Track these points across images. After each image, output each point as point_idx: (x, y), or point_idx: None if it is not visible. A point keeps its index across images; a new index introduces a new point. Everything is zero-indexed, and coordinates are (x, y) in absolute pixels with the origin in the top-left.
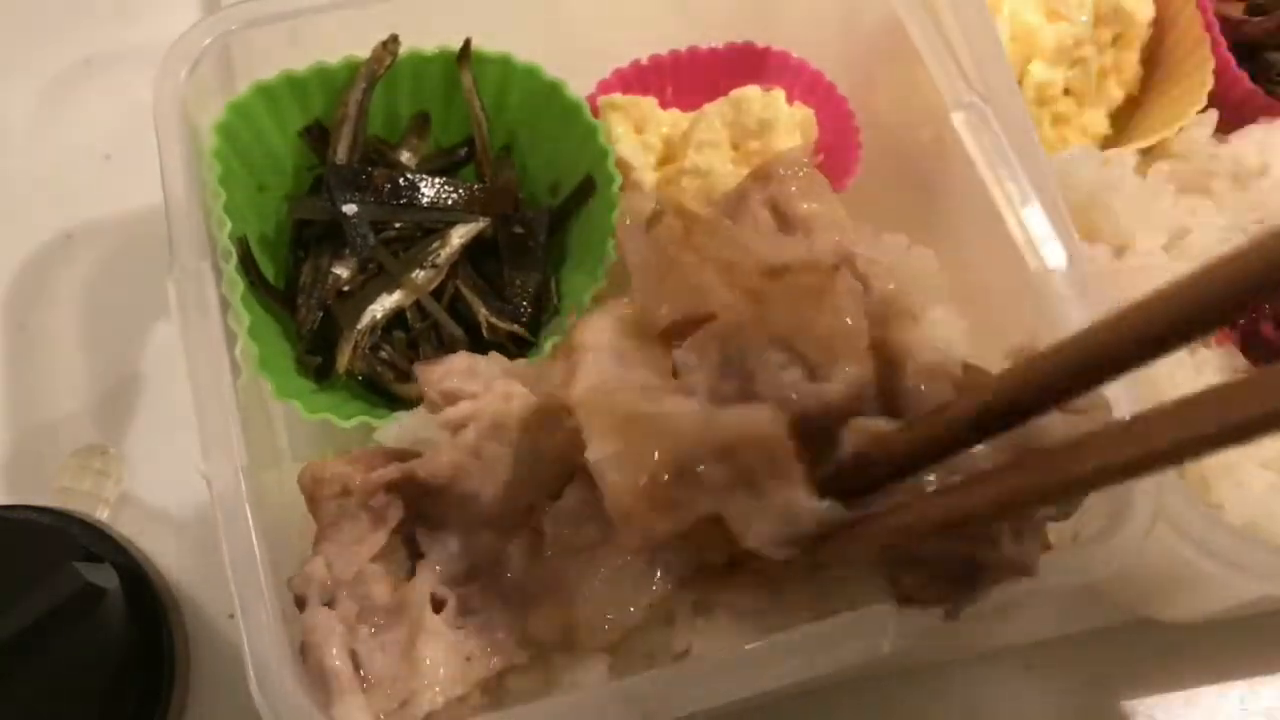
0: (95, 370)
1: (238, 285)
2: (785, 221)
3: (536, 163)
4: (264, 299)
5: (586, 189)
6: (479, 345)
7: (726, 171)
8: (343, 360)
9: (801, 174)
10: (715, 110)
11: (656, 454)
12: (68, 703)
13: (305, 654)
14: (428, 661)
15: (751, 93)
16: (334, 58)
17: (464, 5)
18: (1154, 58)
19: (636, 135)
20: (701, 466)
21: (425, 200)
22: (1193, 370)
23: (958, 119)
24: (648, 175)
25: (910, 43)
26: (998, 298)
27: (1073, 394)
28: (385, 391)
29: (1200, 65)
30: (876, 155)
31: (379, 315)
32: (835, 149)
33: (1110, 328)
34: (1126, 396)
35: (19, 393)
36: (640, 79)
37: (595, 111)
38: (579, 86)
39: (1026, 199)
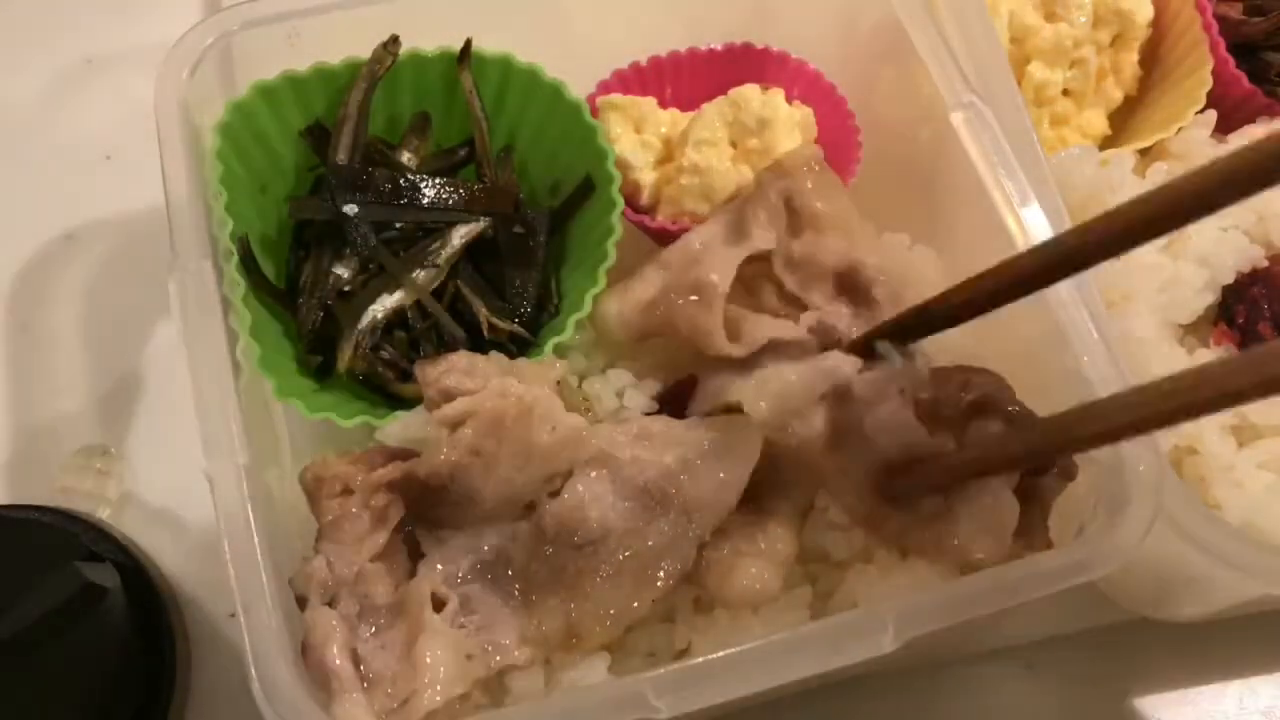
0: (97, 370)
1: (239, 285)
2: (796, 216)
3: (536, 163)
4: (265, 299)
5: (586, 189)
6: (479, 345)
7: (725, 170)
8: (343, 360)
9: (816, 170)
10: (714, 109)
11: None
12: (69, 701)
13: (306, 653)
14: (428, 660)
15: (750, 91)
16: (334, 58)
17: (464, 6)
18: (1152, 58)
19: (635, 135)
20: None
21: (426, 200)
22: None
23: (957, 119)
24: (646, 175)
25: (909, 43)
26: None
27: None
28: (386, 391)
29: (1199, 66)
30: (876, 155)
31: (380, 315)
32: (835, 149)
33: None
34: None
35: (21, 393)
36: (640, 80)
37: (594, 112)
38: (579, 87)
39: (1025, 199)
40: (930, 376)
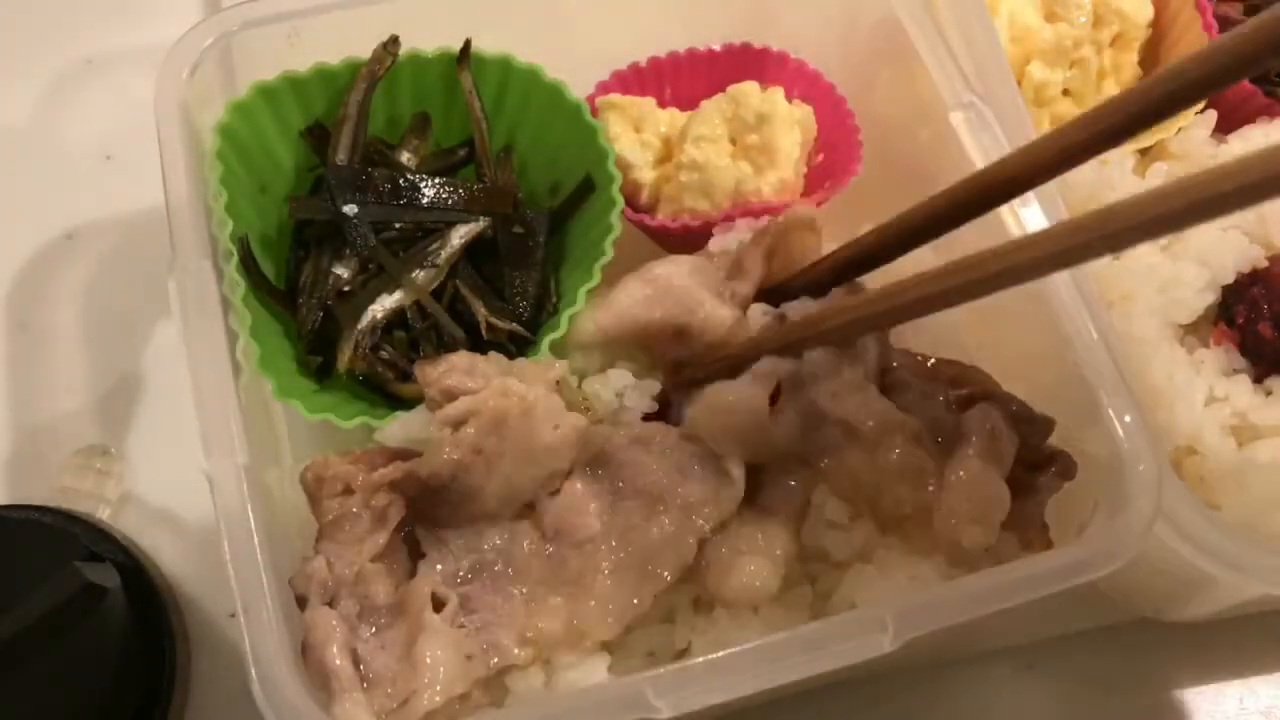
0: (96, 370)
1: (239, 285)
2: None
3: (536, 163)
4: (265, 299)
5: (586, 189)
6: (479, 345)
7: (724, 165)
8: (343, 360)
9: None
10: (713, 105)
11: None
12: (68, 702)
13: (306, 653)
14: (428, 660)
15: (749, 87)
16: (334, 58)
17: (464, 6)
18: (1152, 58)
19: (635, 134)
20: None
21: (425, 200)
22: (1191, 370)
23: (957, 119)
24: (646, 174)
25: (910, 43)
26: (997, 297)
27: None
28: (386, 391)
29: None
30: (876, 155)
31: (379, 315)
32: (835, 148)
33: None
34: (1127, 399)
35: (20, 393)
36: (639, 81)
37: (594, 112)
38: (579, 87)
39: (1025, 199)
40: (924, 372)
